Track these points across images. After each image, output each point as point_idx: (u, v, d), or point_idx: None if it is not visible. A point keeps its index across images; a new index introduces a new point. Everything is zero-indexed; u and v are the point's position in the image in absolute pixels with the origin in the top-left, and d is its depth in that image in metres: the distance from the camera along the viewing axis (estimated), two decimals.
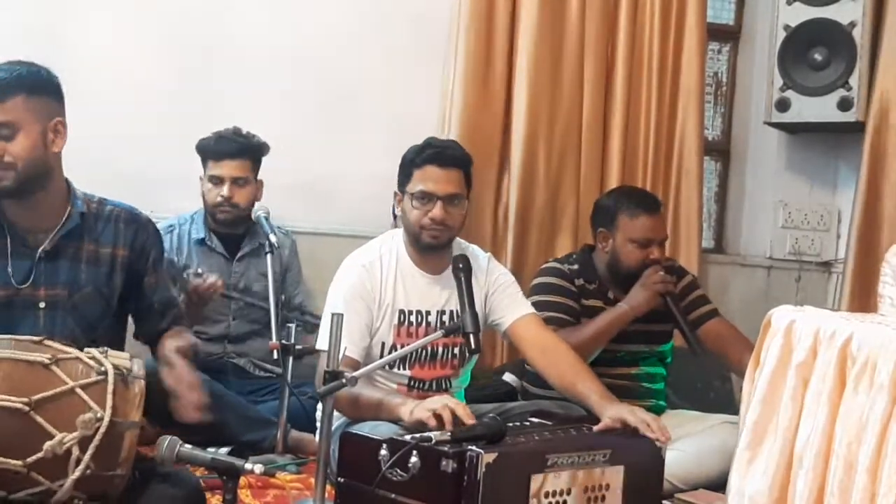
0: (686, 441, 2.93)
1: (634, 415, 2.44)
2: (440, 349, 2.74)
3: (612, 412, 2.45)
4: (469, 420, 2.26)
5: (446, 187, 2.68)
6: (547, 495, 2.18)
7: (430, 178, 2.68)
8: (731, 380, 3.73)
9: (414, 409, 2.35)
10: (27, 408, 1.82)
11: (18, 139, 2.17)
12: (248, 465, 1.88)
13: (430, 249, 2.73)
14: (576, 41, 3.90)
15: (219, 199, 3.28)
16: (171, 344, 2.33)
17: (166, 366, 2.25)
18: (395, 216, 3.58)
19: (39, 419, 1.82)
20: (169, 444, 1.92)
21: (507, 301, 2.80)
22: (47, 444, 1.81)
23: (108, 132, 3.48)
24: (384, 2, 3.91)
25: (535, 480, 2.16)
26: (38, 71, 2.23)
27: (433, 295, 2.76)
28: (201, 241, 3.32)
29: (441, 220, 2.68)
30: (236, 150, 3.29)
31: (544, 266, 3.24)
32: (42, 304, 2.24)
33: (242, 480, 2.44)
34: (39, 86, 2.21)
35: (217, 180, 3.29)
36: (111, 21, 3.62)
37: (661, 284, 3.05)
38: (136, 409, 1.90)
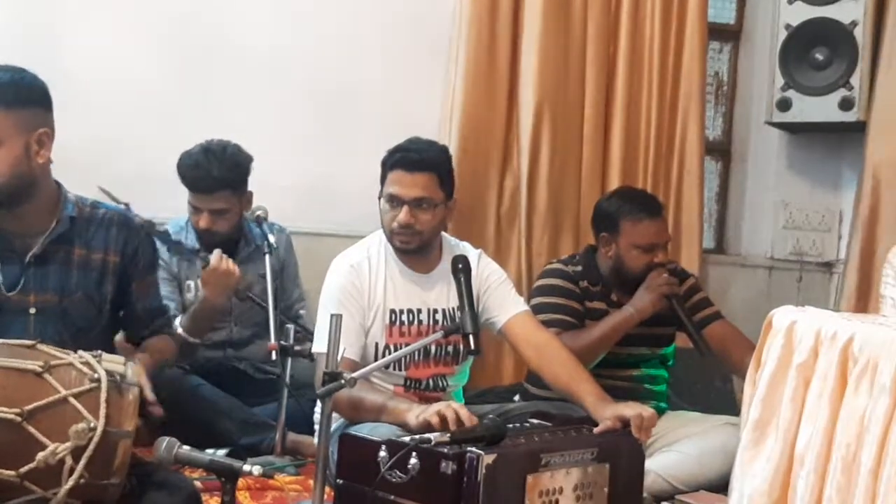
0: (687, 442, 2.92)
1: (631, 408, 2.44)
2: (433, 347, 2.73)
3: (608, 412, 2.45)
4: (470, 423, 2.25)
5: (412, 191, 2.66)
6: (541, 494, 2.18)
7: (397, 182, 2.67)
8: (731, 380, 3.73)
9: (421, 413, 2.35)
10: (19, 418, 1.80)
11: None
12: (246, 467, 1.87)
13: (403, 253, 2.73)
14: (578, 40, 3.89)
15: (200, 225, 3.22)
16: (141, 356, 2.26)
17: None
18: None
19: (32, 429, 1.80)
20: (167, 444, 1.92)
21: (500, 300, 2.79)
22: (40, 455, 1.79)
23: (107, 132, 3.48)
24: (385, 2, 3.91)
25: (531, 480, 2.16)
26: (21, 79, 2.14)
27: (423, 293, 2.75)
28: (197, 252, 3.28)
29: (407, 224, 2.66)
30: (212, 186, 3.17)
31: (547, 267, 3.23)
32: (32, 310, 2.19)
33: (241, 482, 2.43)
34: (22, 97, 2.12)
35: (195, 209, 3.22)
36: (110, 21, 3.62)
37: (665, 286, 3.04)
38: (130, 418, 1.87)
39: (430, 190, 2.69)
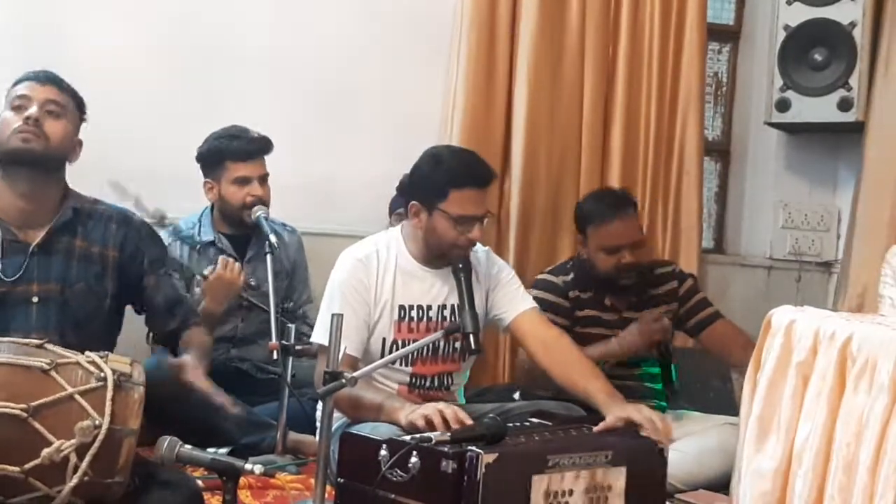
0: (686, 441, 2.93)
1: (641, 413, 2.43)
2: (441, 343, 2.73)
3: (618, 411, 2.44)
4: (458, 424, 2.26)
5: (483, 209, 2.66)
6: (547, 495, 2.17)
7: (470, 201, 2.62)
8: (731, 380, 3.73)
9: (409, 413, 2.36)
10: (25, 414, 1.82)
11: (61, 123, 2.32)
12: (247, 466, 1.87)
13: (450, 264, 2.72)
14: (577, 42, 3.90)
15: (250, 199, 3.25)
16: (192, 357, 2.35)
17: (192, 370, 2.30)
18: (391, 214, 3.59)
19: (38, 426, 1.82)
20: (169, 444, 1.92)
21: (508, 297, 2.80)
22: (45, 451, 1.80)
23: (108, 132, 3.46)
24: (386, 2, 3.91)
25: (536, 481, 2.16)
26: (82, 98, 2.43)
27: (434, 289, 2.75)
28: (211, 244, 3.31)
29: (477, 240, 2.68)
30: (258, 149, 3.30)
31: (538, 278, 3.23)
32: (35, 299, 2.26)
33: (242, 481, 2.44)
34: (82, 107, 2.42)
35: (244, 181, 3.27)
36: (111, 21, 3.62)
37: (658, 333, 3.05)
38: (135, 416, 1.90)
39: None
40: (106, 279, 2.34)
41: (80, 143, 2.39)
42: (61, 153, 2.32)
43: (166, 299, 2.44)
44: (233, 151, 3.27)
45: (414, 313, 2.72)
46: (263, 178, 3.31)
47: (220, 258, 3.05)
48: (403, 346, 2.67)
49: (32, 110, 2.26)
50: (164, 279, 2.46)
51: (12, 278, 2.25)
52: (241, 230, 3.33)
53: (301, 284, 3.50)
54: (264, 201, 3.28)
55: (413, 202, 2.70)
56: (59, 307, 2.28)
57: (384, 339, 2.69)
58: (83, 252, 2.33)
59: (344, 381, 2.17)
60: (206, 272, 3.06)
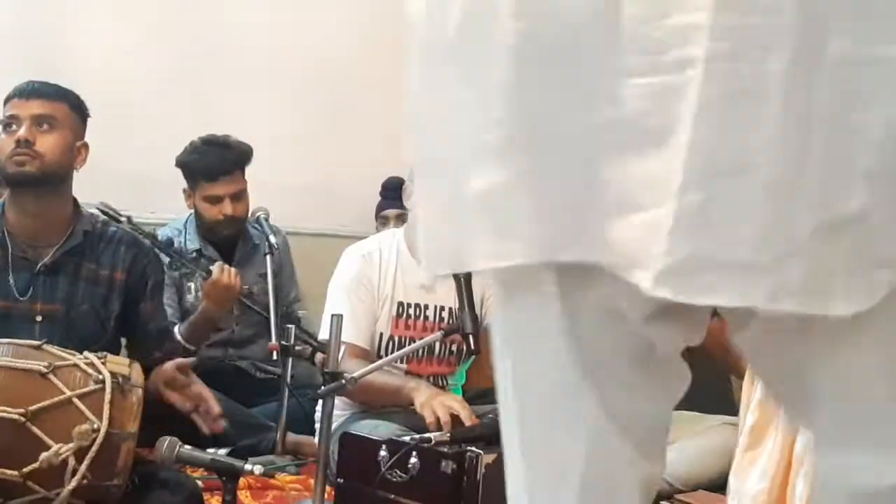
0: (685, 442, 2.93)
1: None
2: (437, 345, 2.76)
3: None
4: (470, 421, 2.27)
5: None
6: None
7: None
8: (730, 380, 3.73)
9: (423, 402, 2.37)
10: (23, 418, 1.82)
11: (54, 135, 2.26)
12: (247, 466, 1.88)
13: None
14: None
15: (220, 217, 3.21)
16: (170, 364, 2.30)
17: (172, 384, 2.26)
18: (377, 218, 3.59)
19: (36, 430, 1.82)
20: (169, 444, 1.92)
21: None
22: (43, 455, 1.80)
23: (106, 133, 3.45)
24: (387, 2, 3.91)
25: None
26: (78, 96, 2.38)
27: (432, 290, 2.77)
28: (198, 252, 3.28)
29: None
30: (229, 167, 3.21)
31: None
32: (38, 318, 2.24)
33: (242, 481, 2.44)
34: (79, 107, 2.36)
35: (215, 199, 3.21)
36: (110, 22, 3.62)
37: None
38: (134, 419, 1.90)
39: None
40: (111, 302, 2.33)
41: (85, 147, 2.34)
42: (60, 168, 2.27)
43: (158, 328, 2.41)
44: (202, 171, 3.20)
45: (412, 311, 2.75)
46: (238, 195, 3.23)
47: (217, 264, 3.01)
48: (400, 342, 2.70)
49: (22, 131, 2.22)
50: (160, 307, 2.45)
51: (22, 296, 2.24)
52: (225, 237, 3.30)
53: (288, 283, 3.48)
54: (236, 218, 3.22)
55: None
56: (62, 327, 2.26)
57: (381, 335, 2.72)
58: (91, 275, 2.31)
59: (344, 381, 2.17)
60: (211, 267, 3.00)
